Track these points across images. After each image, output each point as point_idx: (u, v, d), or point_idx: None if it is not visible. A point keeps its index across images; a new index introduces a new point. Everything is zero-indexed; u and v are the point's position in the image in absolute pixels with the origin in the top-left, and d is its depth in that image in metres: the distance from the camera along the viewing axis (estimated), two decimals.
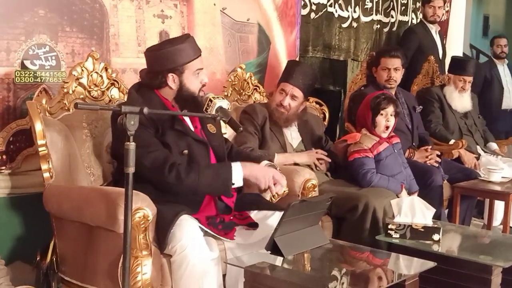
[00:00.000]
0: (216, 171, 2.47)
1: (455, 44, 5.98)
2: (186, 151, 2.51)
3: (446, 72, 4.75)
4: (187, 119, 2.63)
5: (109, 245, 2.27)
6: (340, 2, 4.66)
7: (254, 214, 2.64)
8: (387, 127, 3.38)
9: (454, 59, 4.80)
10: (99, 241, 2.33)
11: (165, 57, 2.52)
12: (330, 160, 3.47)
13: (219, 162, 2.67)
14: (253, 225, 2.56)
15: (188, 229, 2.29)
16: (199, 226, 2.37)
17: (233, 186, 2.50)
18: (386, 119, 3.36)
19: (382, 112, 3.35)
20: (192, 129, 2.62)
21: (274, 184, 2.68)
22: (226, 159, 2.73)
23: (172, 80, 2.54)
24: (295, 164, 3.31)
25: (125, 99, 2.79)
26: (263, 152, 3.18)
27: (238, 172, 2.50)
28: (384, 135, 3.39)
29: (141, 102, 2.43)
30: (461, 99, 4.57)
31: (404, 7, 5.39)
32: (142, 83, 2.61)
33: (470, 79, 4.58)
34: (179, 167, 2.42)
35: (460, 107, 4.59)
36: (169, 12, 3.37)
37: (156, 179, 2.41)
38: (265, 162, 2.79)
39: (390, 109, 3.36)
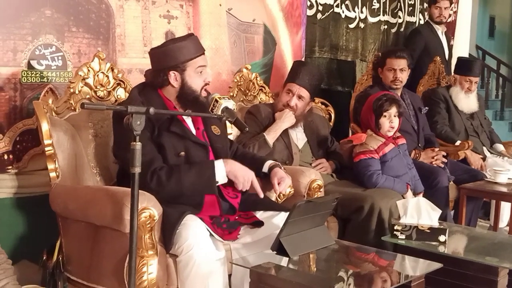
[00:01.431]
0: (198, 171, 2.42)
1: (461, 45, 5.96)
2: (183, 153, 2.49)
3: (452, 73, 4.74)
4: (188, 121, 2.60)
5: (115, 245, 2.27)
6: (347, 2, 4.66)
7: (260, 214, 2.63)
8: (392, 127, 3.36)
9: (460, 59, 4.78)
10: (105, 241, 2.33)
11: (167, 54, 2.51)
12: (328, 166, 3.46)
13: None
14: (258, 224, 2.56)
15: (194, 229, 2.29)
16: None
17: (217, 184, 2.45)
18: (390, 120, 3.33)
19: (385, 114, 3.33)
20: (194, 131, 2.60)
21: (279, 184, 2.68)
22: None
23: (174, 78, 2.53)
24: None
25: None
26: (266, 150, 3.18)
27: (221, 170, 2.45)
28: (390, 134, 3.37)
29: (140, 102, 2.42)
30: (467, 100, 4.55)
31: (411, 8, 5.38)
32: (146, 83, 2.61)
33: (476, 79, 4.56)
34: (160, 172, 2.37)
35: (466, 108, 4.57)
36: (175, 13, 3.38)
37: (140, 186, 2.24)
38: (270, 162, 2.79)
39: (393, 110, 3.33)
